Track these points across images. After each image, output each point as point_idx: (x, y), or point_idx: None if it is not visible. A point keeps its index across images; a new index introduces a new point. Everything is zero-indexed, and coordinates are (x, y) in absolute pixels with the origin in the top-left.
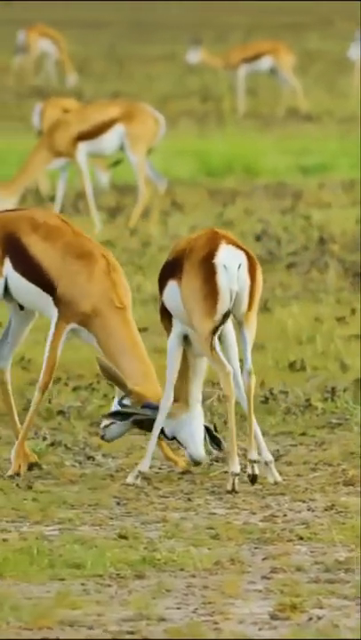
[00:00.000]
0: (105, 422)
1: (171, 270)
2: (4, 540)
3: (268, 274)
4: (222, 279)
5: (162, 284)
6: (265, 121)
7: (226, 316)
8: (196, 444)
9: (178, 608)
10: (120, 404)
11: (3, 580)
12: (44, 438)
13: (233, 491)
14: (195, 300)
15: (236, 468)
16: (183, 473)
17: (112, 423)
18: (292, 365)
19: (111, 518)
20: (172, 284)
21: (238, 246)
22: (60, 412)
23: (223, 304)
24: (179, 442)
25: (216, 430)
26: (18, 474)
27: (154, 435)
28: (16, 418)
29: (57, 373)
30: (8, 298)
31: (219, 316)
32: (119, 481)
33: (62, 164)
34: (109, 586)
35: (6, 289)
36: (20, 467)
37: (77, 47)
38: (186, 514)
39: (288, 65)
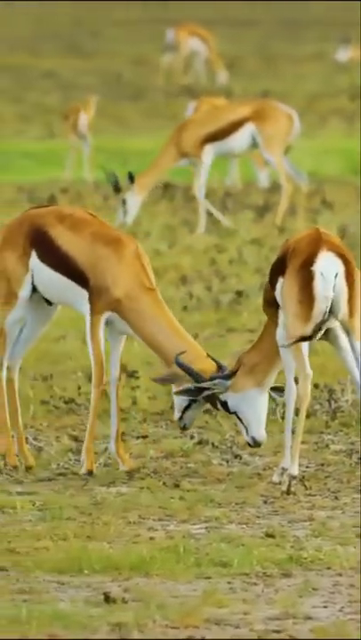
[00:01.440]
0: (178, 414)
1: (280, 267)
2: (151, 538)
3: None
4: (319, 287)
5: (273, 278)
6: None
7: (322, 323)
8: (260, 423)
9: (324, 607)
10: (187, 389)
11: (149, 579)
12: (192, 437)
13: (288, 492)
14: (291, 303)
15: (295, 470)
16: (129, 472)
17: (186, 411)
18: None
19: (258, 517)
20: (281, 281)
21: (338, 252)
22: (207, 411)
23: (319, 311)
24: (238, 418)
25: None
26: (90, 472)
27: (288, 429)
28: (19, 417)
29: None
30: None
31: (313, 323)
32: (266, 479)
33: (188, 163)
34: (256, 584)
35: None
36: (91, 464)
37: (228, 46)
38: (333, 512)
39: None
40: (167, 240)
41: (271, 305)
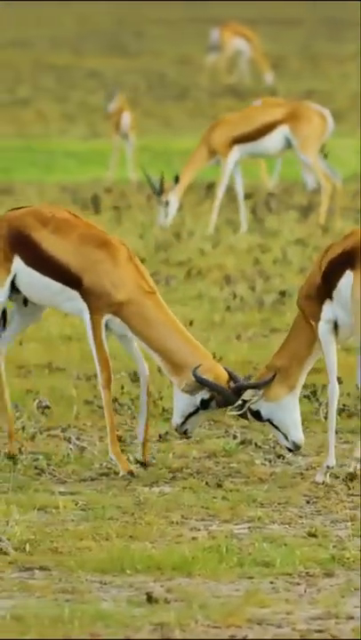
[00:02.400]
0: (180, 419)
1: (348, 259)
2: (194, 538)
3: None
4: None
5: (331, 273)
6: None
7: None
8: (298, 427)
9: None
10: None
11: (192, 579)
12: (235, 437)
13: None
14: None
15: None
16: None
17: (190, 417)
18: None
19: (300, 517)
20: (349, 274)
21: None
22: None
23: None
24: (273, 425)
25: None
26: (132, 472)
27: (331, 428)
28: (9, 411)
29: (247, 371)
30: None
31: None
32: (309, 479)
33: (215, 163)
34: (298, 584)
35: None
36: (127, 464)
37: (271, 45)
38: None
39: None
40: (211, 240)
41: (312, 299)
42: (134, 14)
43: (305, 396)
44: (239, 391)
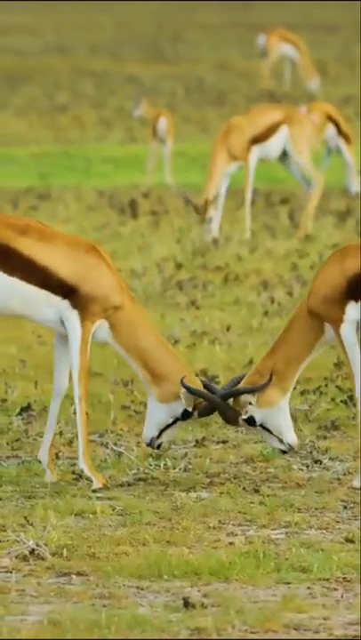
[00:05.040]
0: (155, 432)
1: None
2: (231, 543)
3: None
4: None
5: None
6: None
7: None
8: (291, 428)
9: None
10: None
11: (229, 584)
12: None
13: None
14: None
15: None
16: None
17: (165, 430)
18: None
19: (338, 522)
20: None
21: None
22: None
23: None
24: (266, 429)
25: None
26: (106, 485)
27: None
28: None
29: None
30: None
31: None
32: (346, 484)
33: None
34: (336, 589)
35: None
36: (101, 477)
37: (310, 50)
38: None
39: None
40: (248, 245)
41: (332, 301)
42: (173, 20)
43: (342, 401)
44: (229, 398)
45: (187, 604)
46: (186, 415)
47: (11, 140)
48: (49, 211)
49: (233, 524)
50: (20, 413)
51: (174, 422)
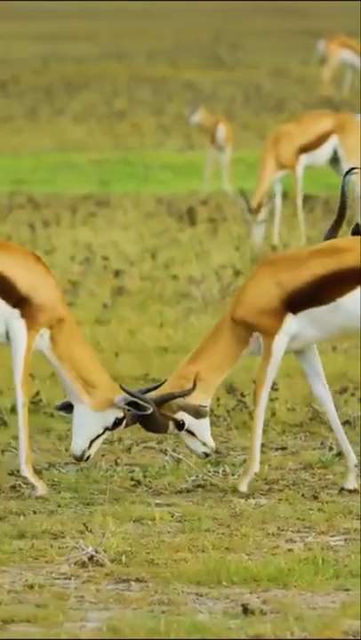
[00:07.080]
0: (85, 444)
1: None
2: (290, 550)
3: None
4: None
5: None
6: None
7: None
8: (209, 432)
9: None
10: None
11: (288, 591)
12: (331, 449)
13: None
14: None
15: None
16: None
17: (95, 441)
18: None
19: None
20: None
21: None
22: (346, 422)
23: None
24: (191, 433)
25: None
26: (48, 492)
27: None
28: None
29: (343, 383)
30: None
31: None
32: None
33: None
34: None
35: None
36: (42, 483)
37: None
38: None
39: None
40: None
41: (269, 313)
42: (231, 26)
43: None
44: (164, 403)
45: (246, 610)
46: (116, 424)
47: (70, 146)
48: (108, 217)
49: (292, 531)
50: None
51: (103, 432)
